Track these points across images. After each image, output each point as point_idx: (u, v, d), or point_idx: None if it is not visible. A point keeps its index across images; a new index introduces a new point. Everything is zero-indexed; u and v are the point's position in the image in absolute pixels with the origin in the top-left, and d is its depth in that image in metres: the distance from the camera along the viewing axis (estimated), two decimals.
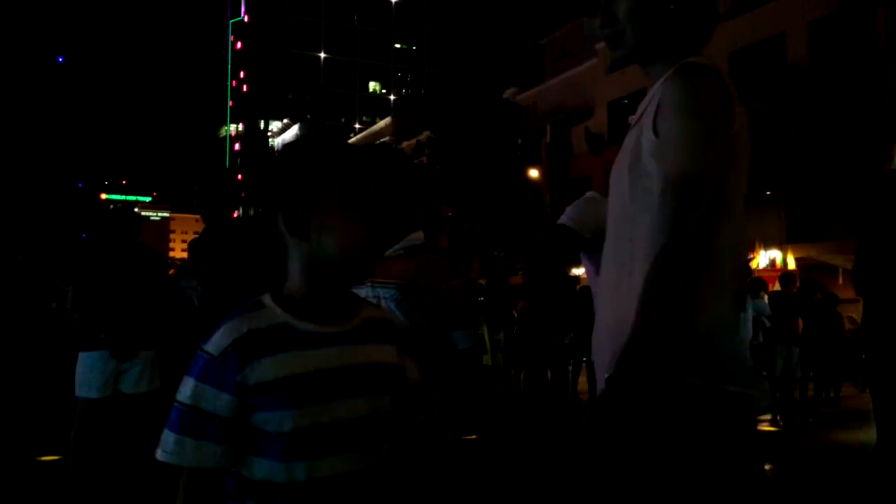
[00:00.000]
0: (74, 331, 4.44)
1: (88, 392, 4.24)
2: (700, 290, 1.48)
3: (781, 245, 19.59)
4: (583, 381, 10.21)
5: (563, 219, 2.60)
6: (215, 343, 1.29)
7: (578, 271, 10.61)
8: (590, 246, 2.49)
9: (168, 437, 1.27)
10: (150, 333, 4.41)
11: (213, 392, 1.26)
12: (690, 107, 1.51)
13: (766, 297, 9.55)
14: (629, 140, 1.65)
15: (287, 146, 1.41)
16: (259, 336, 1.30)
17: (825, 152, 18.83)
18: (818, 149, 19.12)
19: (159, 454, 1.26)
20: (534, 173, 27.87)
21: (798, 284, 9.47)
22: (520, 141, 30.15)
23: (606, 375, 1.52)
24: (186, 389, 1.27)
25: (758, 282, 9.79)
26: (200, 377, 1.27)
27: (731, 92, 1.55)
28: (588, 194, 2.67)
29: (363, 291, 2.10)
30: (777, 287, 9.93)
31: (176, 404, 1.28)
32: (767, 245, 19.52)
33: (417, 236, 2.19)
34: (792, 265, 18.55)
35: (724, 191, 1.52)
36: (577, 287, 8.68)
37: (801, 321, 9.25)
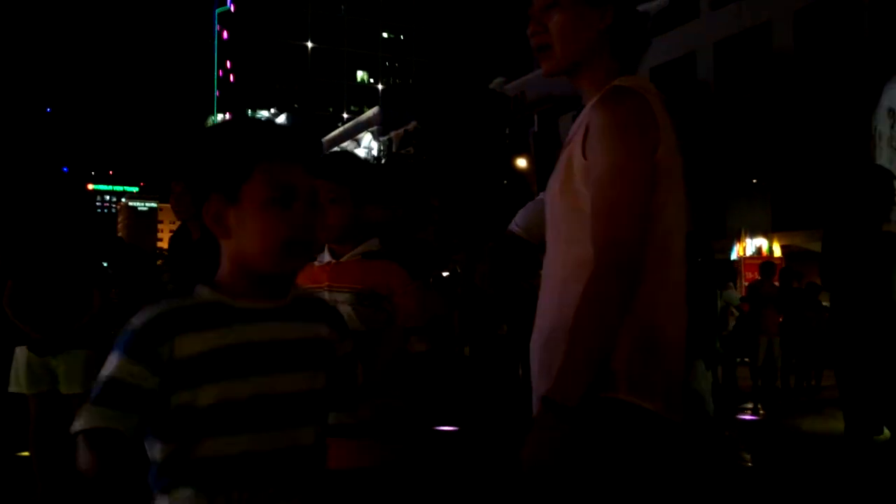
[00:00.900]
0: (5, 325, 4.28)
1: (18, 388, 4.17)
2: (632, 306, 1.51)
3: (767, 233, 19.73)
4: None
5: (512, 225, 2.62)
6: (139, 318, 1.26)
7: None
8: (541, 251, 2.51)
9: (84, 410, 1.22)
10: (82, 332, 4.23)
11: (134, 365, 1.22)
12: (613, 134, 1.54)
13: (732, 287, 9.61)
14: (562, 159, 1.68)
15: (205, 133, 1.36)
16: (183, 313, 1.28)
17: (810, 141, 18.94)
18: (804, 137, 19.22)
19: (74, 426, 1.21)
20: (522, 163, 27.90)
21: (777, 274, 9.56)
22: (507, 130, 30.14)
23: (541, 394, 1.54)
24: (109, 364, 1.24)
25: (726, 272, 9.84)
26: (123, 351, 1.24)
27: (656, 114, 1.58)
28: (540, 196, 2.69)
29: (321, 296, 2.12)
30: (757, 276, 10.01)
31: (98, 380, 1.24)
32: (753, 233, 19.67)
33: (374, 242, 2.25)
34: (778, 253, 18.70)
35: (653, 209, 1.55)
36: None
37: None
